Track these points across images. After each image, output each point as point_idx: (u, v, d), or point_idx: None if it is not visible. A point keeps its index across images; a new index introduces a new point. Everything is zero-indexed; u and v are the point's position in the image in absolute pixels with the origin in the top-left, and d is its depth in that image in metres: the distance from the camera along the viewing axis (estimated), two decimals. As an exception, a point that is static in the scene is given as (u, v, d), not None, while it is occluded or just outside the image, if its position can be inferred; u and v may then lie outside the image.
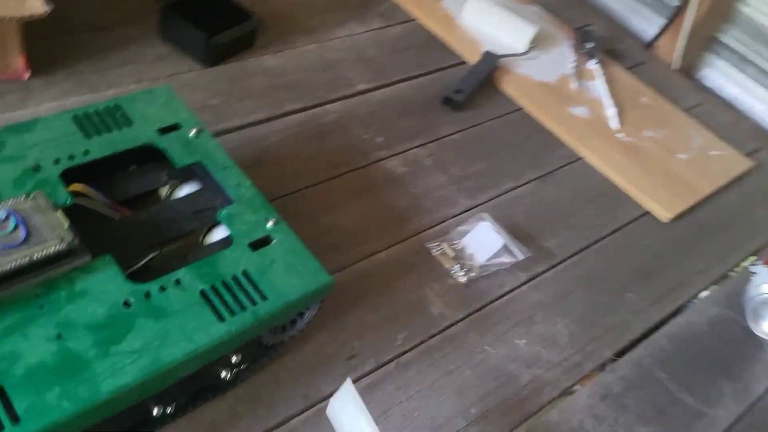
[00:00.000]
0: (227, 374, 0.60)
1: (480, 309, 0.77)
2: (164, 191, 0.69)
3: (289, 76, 0.99)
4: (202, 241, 0.66)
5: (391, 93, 1.02)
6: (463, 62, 1.13)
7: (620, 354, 0.79)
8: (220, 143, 0.69)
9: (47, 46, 0.90)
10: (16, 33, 0.81)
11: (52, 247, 0.53)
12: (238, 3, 1.01)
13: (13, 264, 0.51)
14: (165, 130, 0.69)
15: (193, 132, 0.69)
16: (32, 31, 0.82)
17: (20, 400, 0.47)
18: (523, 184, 0.95)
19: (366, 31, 1.12)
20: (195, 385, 0.60)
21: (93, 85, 0.89)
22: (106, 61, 0.92)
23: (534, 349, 0.75)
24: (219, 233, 0.65)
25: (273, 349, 0.66)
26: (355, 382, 0.68)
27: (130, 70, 0.93)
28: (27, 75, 0.86)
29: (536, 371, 0.73)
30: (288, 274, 0.60)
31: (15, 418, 0.46)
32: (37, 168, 0.61)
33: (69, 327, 0.51)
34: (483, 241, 0.80)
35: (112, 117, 0.68)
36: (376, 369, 0.69)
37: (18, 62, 0.85)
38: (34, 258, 0.52)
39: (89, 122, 0.67)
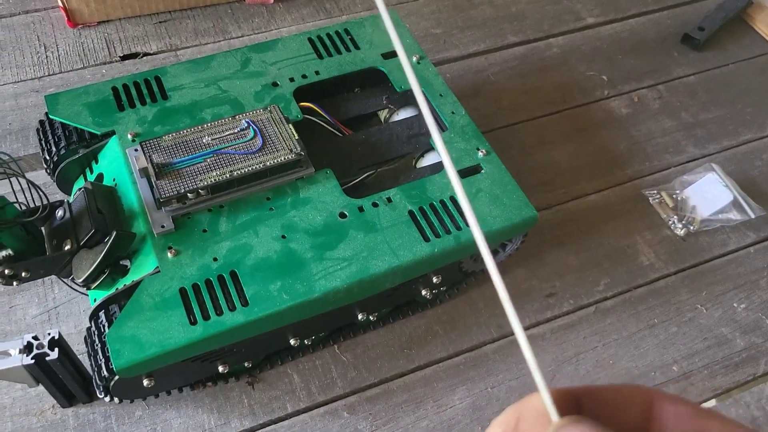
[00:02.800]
0: (427, 293, 0.64)
1: (696, 265, 0.72)
2: (383, 114, 0.73)
3: (515, 7, 0.97)
4: (415, 164, 0.69)
5: (623, 28, 0.96)
6: (712, -4, 1.02)
7: None
8: (438, 72, 0.71)
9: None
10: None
11: (283, 157, 0.59)
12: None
13: (251, 168, 0.58)
14: (388, 55, 0.72)
15: (415, 58, 0.71)
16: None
17: (250, 287, 0.54)
18: (764, 137, 0.85)
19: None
20: (398, 299, 0.64)
21: (328, 11, 0.95)
22: (340, -11, 0.98)
23: (754, 315, 0.69)
24: (431, 158, 0.67)
25: (472, 275, 0.67)
26: (550, 321, 0.68)
27: (362, -3, 0.97)
28: (272, 0, 0.94)
29: (754, 339, 0.67)
30: (493, 204, 0.60)
31: (245, 302, 0.53)
32: (275, 84, 0.67)
33: (292, 230, 0.57)
34: (709, 194, 0.74)
35: (341, 40, 0.72)
36: (574, 311, 0.68)
37: (266, -13, 0.93)
38: (268, 164, 0.58)
39: (322, 44, 0.72)
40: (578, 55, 0.91)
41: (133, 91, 0.65)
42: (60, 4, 0.85)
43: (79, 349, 0.63)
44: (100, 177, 0.62)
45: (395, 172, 0.67)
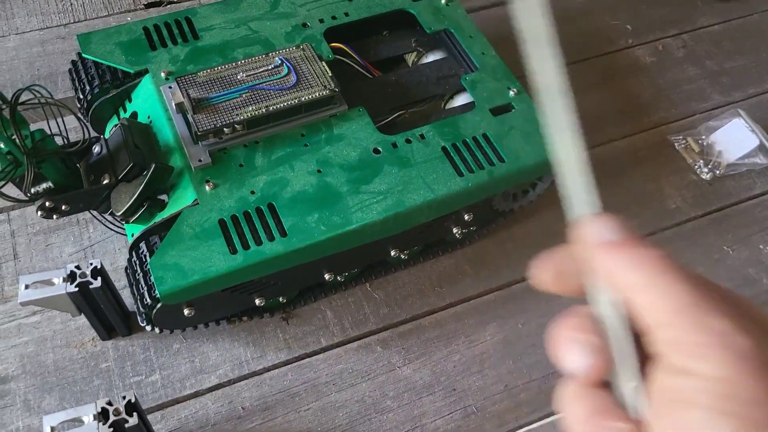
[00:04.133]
0: (458, 232, 0.64)
1: (722, 209, 0.73)
2: (412, 57, 0.73)
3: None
4: (444, 105, 0.69)
5: (646, -22, 0.96)
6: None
7: None
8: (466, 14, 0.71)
9: None
10: None
11: (317, 93, 0.59)
12: None
13: (286, 103, 0.58)
14: (417, -4, 0.72)
15: (443, 0, 0.71)
16: None
17: (287, 218, 0.54)
18: (790, 85, 0.86)
19: None
20: (430, 236, 0.65)
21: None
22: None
23: (780, 257, 0.70)
24: (461, 99, 0.67)
25: (502, 215, 0.68)
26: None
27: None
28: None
29: (780, 280, 0.68)
30: (525, 141, 0.61)
31: (283, 233, 0.54)
32: (305, 25, 0.68)
33: (327, 165, 0.58)
34: (735, 139, 0.74)
35: (370, -18, 0.72)
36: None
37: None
38: (302, 100, 0.59)
39: (350, -15, 0.72)
40: (604, 3, 0.91)
41: (165, 32, 0.65)
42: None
43: (117, 286, 0.64)
44: (134, 115, 0.63)
45: (425, 113, 0.67)
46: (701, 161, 0.74)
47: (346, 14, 0.69)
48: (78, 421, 0.47)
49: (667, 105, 0.81)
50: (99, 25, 0.83)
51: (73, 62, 0.65)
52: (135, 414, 0.47)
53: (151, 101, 0.61)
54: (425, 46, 0.72)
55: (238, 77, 0.59)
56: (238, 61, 0.61)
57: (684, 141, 0.76)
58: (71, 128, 0.70)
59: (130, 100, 0.64)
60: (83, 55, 0.63)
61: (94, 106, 0.63)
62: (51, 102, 0.51)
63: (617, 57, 0.85)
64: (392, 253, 0.62)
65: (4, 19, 0.83)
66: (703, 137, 0.76)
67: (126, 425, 0.47)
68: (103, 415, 0.47)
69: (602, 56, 0.85)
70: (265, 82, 0.59)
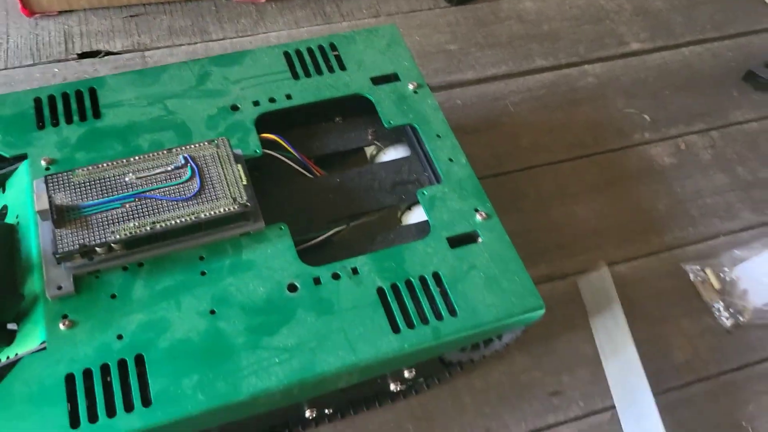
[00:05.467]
0: (397, 387, 0.51)
1: (743, 367, 0.58)
2: (371, 151, 0.60)
3: (547, 24, 0.84)
4: (400, 218, 0.56)
5: (673, 58, 0.82)
6: (786, 25, 0.87)
7: None
8: (438, 104, 0.58)
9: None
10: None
11: (223, 208, 0.47)
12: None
13: (180, 220, 0.46)
14: (380, 80, 0.59)
15: (411, 86, 0.59)
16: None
17: (156, 379, 0.42)
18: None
19: (655, -25, 0.91)
20: (357, 394, 0.52)
21: (327, 16, 0.82)
22: (344, -10, 0.85)
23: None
24: (420, 214, 0.54)
25: (457, 366, 0.55)
26: (552, 428, 0.54)
27: (370, 1, 0.84)
28: (263, -1, 0.82)
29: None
30: (488, 287, 0.47)
31: (146, 401, 0.41)
32: (234, 108, 0.55)
33: (225, 304, 0.45)
34: (765, 277, 0.60)
35: (324, 57, 0.60)
36: (584, 416, 0.55)
37: (258, -16, 0.81)
38: (202, 217, 0.46)
39: (300, 61, 0.59)
40: (617, 87, 0.77)
41: (60, 105, 0.54)
42: (16, -11, 0.74)
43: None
44: (3, 210, 0.51)
45: (372, 229, 0.54)
46: (721, 302, 0.60)
47: (289, 97, 0.57)
48: None
49: (684, 222, 0.67)
50: (20, 76, 0.72)
51: (-57, 137, 0.53)
52: None
53: (23, 197, 0.49)
54: (385, 140, 0.59)
55: (126, 179, 0.47)
56: (132, 157, 0.48)
57: (702, 273, 0.62)
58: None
59: (3, 190, 0.52)
60: (-52, 132, 0.51)
61: (-40, 195, 0.51)
62: None
63: (628, 155, 0.72)
64: (308, 413, 0.49)
65: None
66: (726, 269, 0.62)
67: None
68: None
69: (610, 152, 0.72)
70: (158, 189, 0.47)
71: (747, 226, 0.67)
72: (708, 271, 0.62)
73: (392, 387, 0.51)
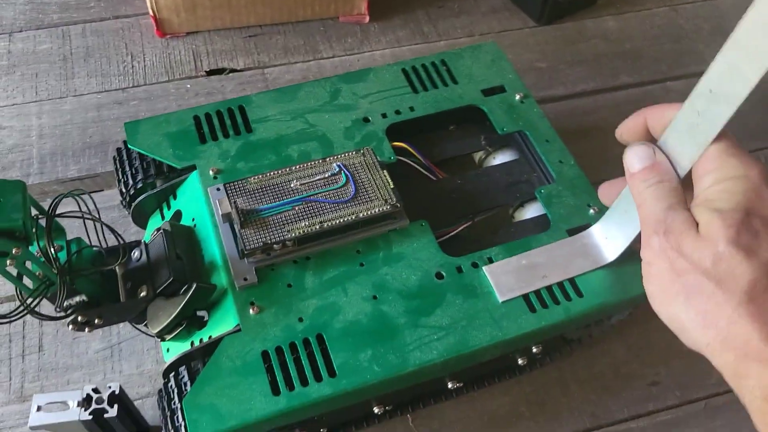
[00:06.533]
0: (523, 361, 0.62)
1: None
2: (479, 156, 0.71)
3: (630, 43, 0.94)
4: (512, 215, 0.67)
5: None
6: None
7: None
8: (544, 113, 0.68)
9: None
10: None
11: (377, 208, 0.57)
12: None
13: (342, 219, 0.57)
14: (489, 92, 0.70)
15: (518, 97, 0.69)
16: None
17: (338, 354, 0.53)
18: None
19: (737, -5, 1.01)
20: (492, 367, 0.62)
21: (425, 35, 0.93)
22: (441, 11, 0.97)
23: None
24: (531, 210, 0.65)
25: (573, 343, 0.65)
26: (652, 414, 0.65)
27: (463, 21, 0.96)
28: (367, 19, 0.93)
29: None
30: (607, 272, 0.58)
31: (332, 372, 0.52)
32: (366, 120, 0.66)
33: (384, 290, 0.56)
34: None
35: (438, 72, 0.71)
36: (680, 405, 0.65)
37: (362, 6, 0.92)
38: (361, 216, 0.57)
39: (416, 76, 0.70)
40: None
41: (216, 122, 0.65)
42: (150, 12, 0.85)
43: (139, 392, 0.64)
44: (178, 214, 0.62)
45: (492, 222, 0.65)
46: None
47: (412, 109, 0.68)
48: (64, 405, 0.52)
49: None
50: (158, 91, 0.84)
51: (118, 150, 0.65)
52: (116, 405, 0.53)
53: (197, 202, 0.61)
54: (495, 145, 0.70)
55: (292, 186, 0.58)
56: (293, 165, 0.60)
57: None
58: (116, 206, 0.69)
59: (175, 197, 0.63)
60: (129, 146, 0.63)
61: (136, 202, 0.63)
62: (89, 218, 0.51)
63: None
64: (450, 384, 0.60)
65: (64, 79, 0.85)
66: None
67: (105, 415, 0.52)
68: (86, 402, 0.53)
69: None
70: (320, 193, 0.58)
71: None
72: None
73: (519, 361, 0.62)
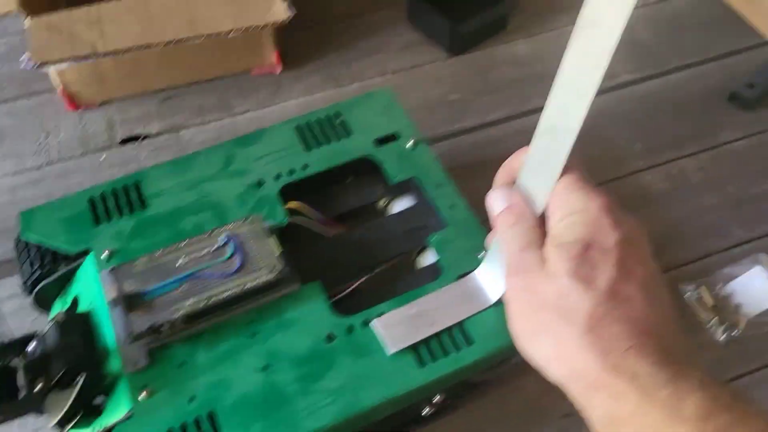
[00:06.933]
0: (430, 410, 0.63)
1: (740, 377, 0.69)
2: (381, 203, 0.73)
3: (542, 64, 0.97)
4: (414, 261, 0.68)
5: (662, 85, 0.95)
6: (766, 42, 1.00)
7: None
8: (446, 151, 0.70)
9: (301, 38, 1.00)
10: (270, 31, 0.91)
11: (264, 277, 0.59)
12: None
13: (229, 293, 0.59)
14: (382, 141, 0.72)
15: (410, 143, 0.72)
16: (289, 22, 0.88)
17: (228, 431, 0.54)
18: (824, 215, 0.83)
19: (641, 6, 1.04)
20: (391, 421, 0.64)
21: (338, 79, 0.96)
22: (353, 52, 0.99)
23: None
24: (430, 256, 0.67)
25: (480, 386, 0.67)
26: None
27: (376, 60, 0.98)
28: (279, 70, 0.96)
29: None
30: (499, 314, 0.59)
31: (222, 450, 0.53)
32: (259, 183, 0.69)
33: (276, 358, 0.58)
34: (755, 291, 0.71)
35: (331, 125, 0.73)
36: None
37: (272, 57, 0.95)
38: (247, 287, 0.59)
39: (310, 132, 0.73)
40: (611, 119, 0.90)
41: (111, 201, 0.67)
42: (59, 88, 0.88)
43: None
44: (75, 301, 0.64)
45: (392, 273, 0.67)
46: (715, 318, 0.71)
47: (305, 166, 0.70)
48: None
49: (679, 243, 0.79)
50: (72, 167, 0.86)
51: (16, 241, 0.67)
52: None
53: (92, 287, 0.62)
54: (392, 193, 0.72)
55: (178, 264, 0.60)
56: (181, 242, 0.62)
57: (696, 292, 0.73)
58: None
59: (73, 282, 0.65)
60: (21, 237, 0.65)
61: (37, 290, 0.65)
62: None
63: (625, 183, 0.84)
64: (357, 446, 0.61)
65: (-20, 163, 0.87)
66: (719, 286, 0.73)
67: None
68: None
69: (609, 183, 0.84)
70: (206, 268, 0.60)
71: (738, 242, 0.78)
72: (702, 289, 0.73)
73: (424, 411, 0.63)
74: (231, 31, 0.80)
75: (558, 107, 0.45)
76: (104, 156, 0.87)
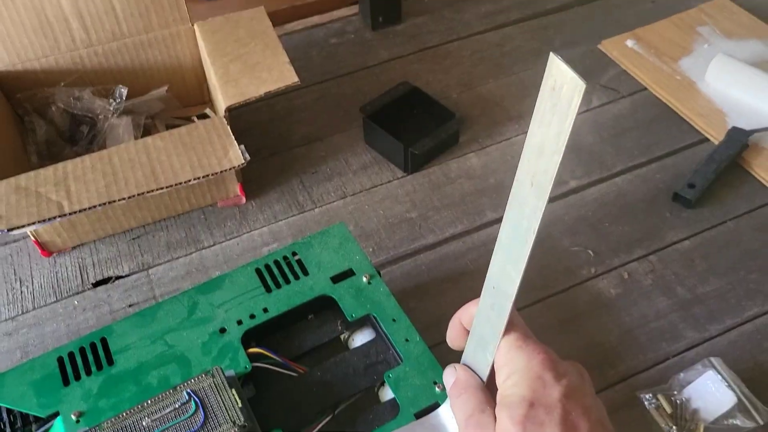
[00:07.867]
0: None
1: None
2: (343, 337, 0.77)
3: (494, 176, 1.02)
4: (377, 393, 0.72)
5: (609, 189, 1.00)
6: (705, 139, 1.06)
7: None
8: (406, 272, 0.74)
9: (264, 165, 1.07)
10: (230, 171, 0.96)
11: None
12: (439, 102, 1.07)
13: (191, 450, 0.62)
14: (339, 277, 0.77)
15: (365, 279, 0.76)
16: (251, 151, 0.93)
17: None
18: (772, 311, 0.87)
19: (585, 111, 1.10)
20: None
21: (301, 205, 1.02)
22: (314, 176, 1.06)
23: None
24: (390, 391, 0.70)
25: None
26: None
27: (336, 183, 1.04)
28: (243, 200, 1.02)
29: None
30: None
31: None
32: (222, 330, 0.73)
33: None
34: (710, 396, 0.74)
35: (289, 265, 0.78)
36: None
37: (235, 188, 1.01)
38: (209, 443, 0.62)
39: (269, 274, 0.77)
40: (561, 227, 0.95)
41: (79, 360, 0.71)
42: (32, 237, 0.93)
43: None
44: (46, 461, 0.67)
45: (354, 413, 0.70)
46: (675, 427, 0.74)
47: (265, 310, 0.74)
48: None
49: (635, 350, 0.82)
50: (46, 314, 0.91)
51: (-12, 405, 0.71)
52: None
53: (61, 449, 0.66)
54: (352, 328, 0.76)
55: (143, 424, 0.64)
56: (146, 401, 0.65)
57: (655, 399, 0.76)
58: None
59: (44, 444, 0.69)
60: (-8, 403, 0.69)
61: (7, 451, 0.68)
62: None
63: (578, 292, 0.88)
64: None
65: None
66: (676, 393, 0.76)
67: None
68: None
69: (562, 293, 0.88)
70: (170, 427, 0.63)
71: (691, 345, 0.82)
72: (660, 396, 0.76)
73: None
74: (191, 180, 0.85)
75: (500, 269, 0.49)
76: (77, 301, 0.92)
